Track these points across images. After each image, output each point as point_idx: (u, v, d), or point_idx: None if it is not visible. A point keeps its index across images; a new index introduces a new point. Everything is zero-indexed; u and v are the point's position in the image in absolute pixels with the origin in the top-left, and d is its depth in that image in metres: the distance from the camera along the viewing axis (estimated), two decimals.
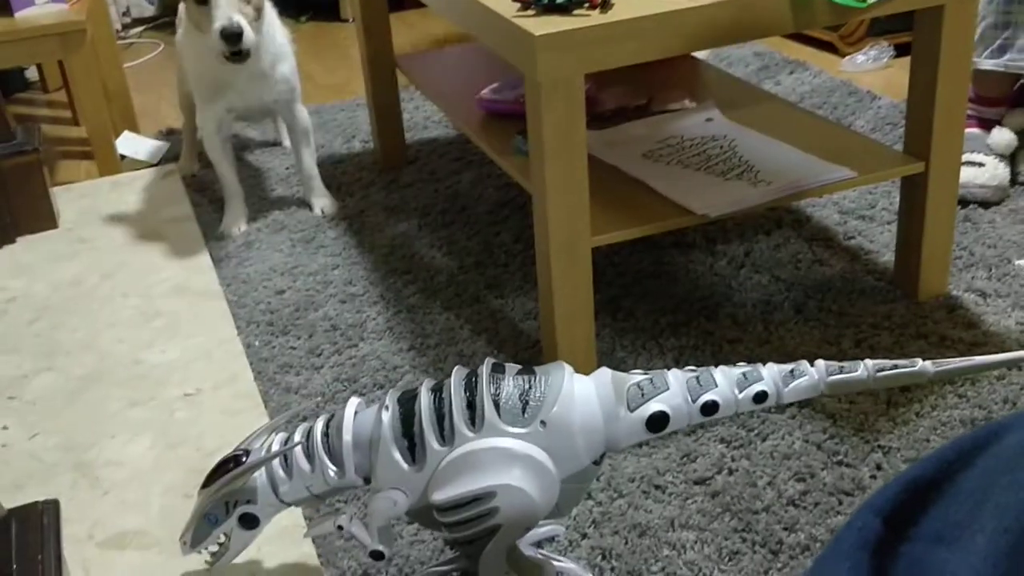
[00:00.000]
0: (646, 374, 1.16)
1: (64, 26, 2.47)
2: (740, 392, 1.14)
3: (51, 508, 1.21)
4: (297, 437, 1.20)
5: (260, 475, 1.19)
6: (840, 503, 1.38)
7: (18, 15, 2.50)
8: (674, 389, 1.14)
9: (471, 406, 1.13)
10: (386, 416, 1.15)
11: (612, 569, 1.32)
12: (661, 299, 1.89)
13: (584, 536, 1.38)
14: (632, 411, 1.13)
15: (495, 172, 2.45)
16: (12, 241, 2.29)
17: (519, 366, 1.18)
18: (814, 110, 2.61)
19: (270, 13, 2.15)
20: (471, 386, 1.15)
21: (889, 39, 2.93)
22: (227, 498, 1.20)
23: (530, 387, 1.14)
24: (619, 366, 1.70)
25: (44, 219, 2.33)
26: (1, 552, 1.13)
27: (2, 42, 2.43)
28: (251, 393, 1.71)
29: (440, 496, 1.12)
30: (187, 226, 2.32)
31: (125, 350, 1.87)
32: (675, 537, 1.36)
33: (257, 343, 1.87)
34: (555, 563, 1.29)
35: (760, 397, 1.14)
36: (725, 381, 1.14)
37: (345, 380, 1.75)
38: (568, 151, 1.49)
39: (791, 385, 1.14)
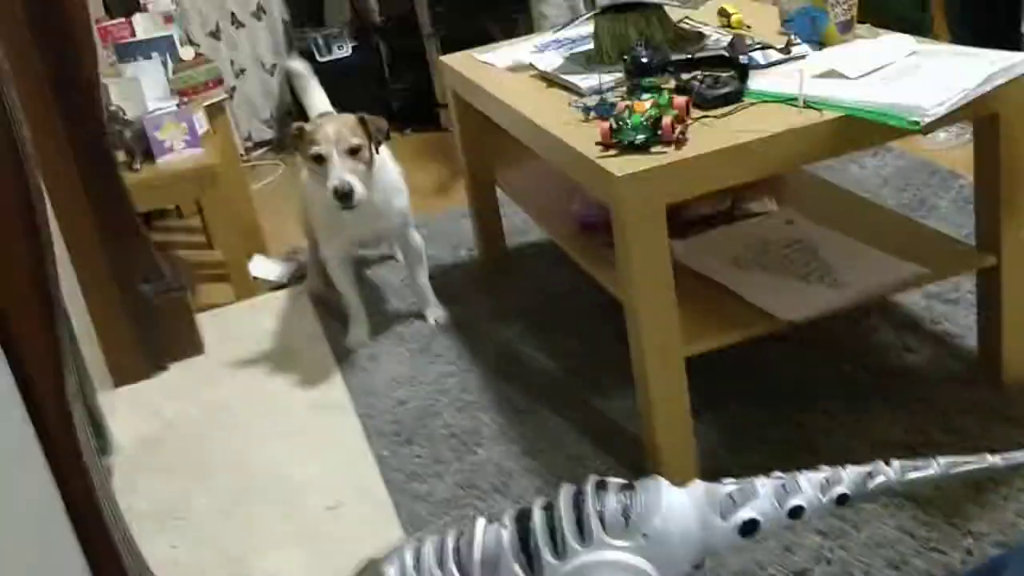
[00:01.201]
0: (736, 483, 1.28)
1: (200, 170, 2.76)
2: (824, 496, 1.26)
3: None
4: (427, 550, 1.34)
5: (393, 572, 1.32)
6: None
7: (160, 161, 2.80)
8: (763, 496, 1.26)
9: (580, 522, 1.27)
10: (505, 534, 1.30)
11: None
12: (756, 394, 2.01)
13: None
14: (725, 519, 1.26)
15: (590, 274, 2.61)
16: (165, 368, 2.55)
17: (621, 481, 1.32)
18: (898, 192, 2.71)
19: (382, 154, 2.36)
20: (578, 503, 1.29)
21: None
22: None
23: (631, 502, 1.28)
24: (718, 463, 1.83)
25: (192, 347, 2.60)
26: None
27: (149, 187, 2.72)
28: (385, 503, 1.90)
29: None
30: (318, 344, 2.55)
31: (272, 467, 2.09)
32: None
33: (386, 453, 2.07)
34: None
35: (842, 499, 1.26)
36: (809, 486, 1.26)
37: (466, 486, 1.92)
38: (655, 271, 1.63)
39: (870, 485, 1.25)
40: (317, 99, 2.74)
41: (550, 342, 2.34)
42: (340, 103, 3.91)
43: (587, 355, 2.26)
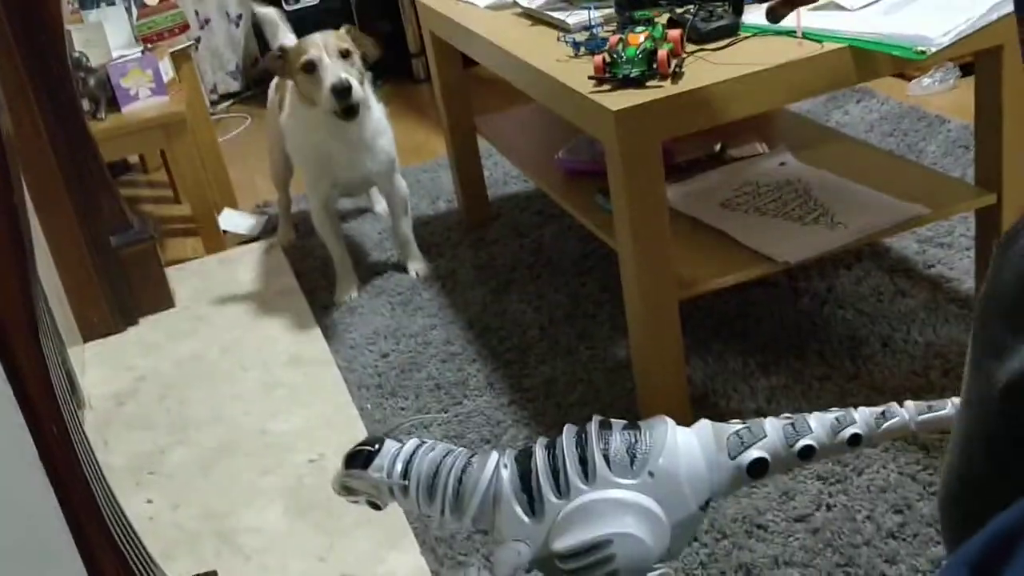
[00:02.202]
0: (744, 423, 1.24)
1: (167, 117, 2.66)
2: (835, 436, 1.21)
3: None
4: (424, 460, 1.29)
5: (383, 478, 1.29)
6: (939, 533, 1.44)
7: (125, 110, 2.70)
8: (772, 436, 1.22)
9: (583, 461, 1.23)
10: (505, 474, 1.26)
11: None
12: (749, 340, 1.97)
13: None
14: (733, 459, 1.22)
15: (577, 224, 2.54)
16: (135, 323, 2.47)
17: (624, 421, 1.28)
18: (884, 138, 2.67)
19: (368, 89, 2.29)
20: (582, 442, 1.25)
21: (954, 60, 2.97)
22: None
23: (636, 441, 1.23)
24: (712, 409, 1.79)
25: (162, 299, 2.51)
26: None
27: (113, 136, 2.62)
28: None
29: (560, 545, 1.22)
30: (294, 297, 2.47)
31: (251, 421, 2.02)
32: (780, 574, 1.43)
33: (369, 406, 2.00)
34: None
35: (854, 440, 1.21)
36: (820, 426, 1.21)
37: (454, 437, 1.86)
38: (650, 213, 1.58)
39: (883, 427, 1.21)
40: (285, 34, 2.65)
41: (536, 293, 2.29)
42: None
43: (574, 306, 2.21)
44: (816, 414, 1.23)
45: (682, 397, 1.73)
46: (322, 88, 2.12)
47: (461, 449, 1.33)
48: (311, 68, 2.14)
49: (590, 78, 1.61)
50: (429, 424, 1.91)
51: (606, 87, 1.59)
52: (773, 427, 1.22)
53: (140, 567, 1.26)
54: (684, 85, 1.54)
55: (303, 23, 3.84)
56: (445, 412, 1.94)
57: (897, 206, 1.78)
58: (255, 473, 1.86)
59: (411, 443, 1.34)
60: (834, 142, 2.14)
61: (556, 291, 2.28)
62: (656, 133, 1.54)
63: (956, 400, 1.19)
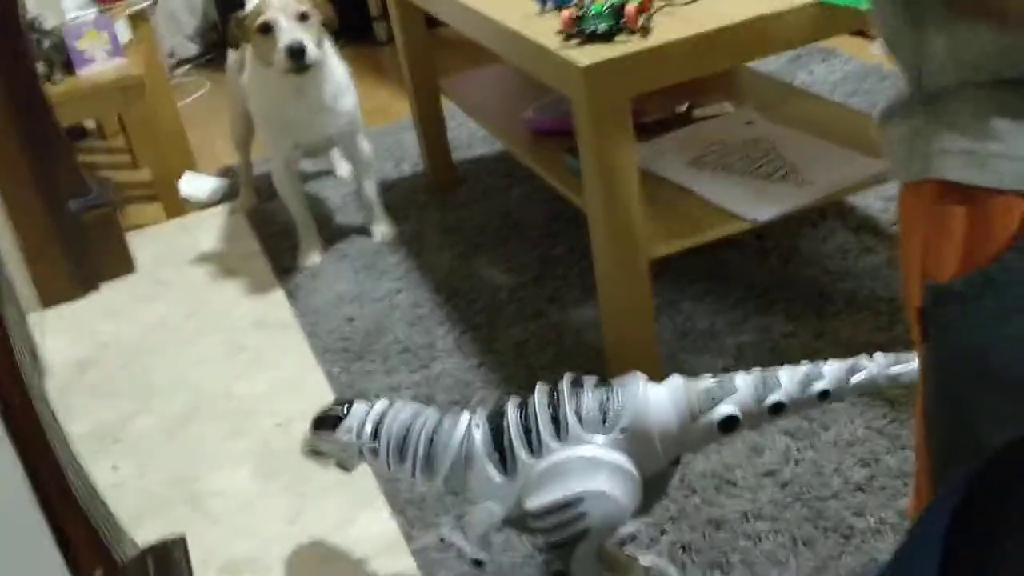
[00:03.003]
0: (715, 379, 1.24)
1: (124, 80, 2.61)
2: (804, 391, 1.22)
3: (180, 544, 1.32)
4: (394, 422, 1.31)
5: (352, 440, 1.31)
6: (905, 485, 1.46)
7: (80, 73, 2.63)
8: (742, 392, 1.22)
9: (555, 419, 1.23)
10: (477, 433, 1.25)
11: (693, 562, 1.41)
12: (717, 298, 1.97)
13: (663, 532, 1.47)
14: (704, 414, 1.22)
15: (544, 186, 2.53)
16: (96, 288, 2.43)
17: (596, 378, 1.28)
18: (849, 98, 2.68)
19: (329, 50, 2.26)
20: (553, 400, 1.24)
21: None
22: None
23: (608, 398, 1.23)
24: (681, 368, 1.78)
25: (123, 265, 2.47)
26: None
27: (69, 100, 2.56)
28: None
29: (533, 503, 1.23)
30: (257, 261, 2.44)
31: (216, 386, 2.00)
32: (750, 528, 1.44)
33: (336, 370, 1.99)
34: (641, 560, 1.38)
35: (824, 395, 1.21)
36: (790, 381, 1.22)
37: (423, 399, 1.85)
38: (620, 171, 1.57)
39: (852, 381, 1.21)
40: None
41: (503, 256, 2.27)
42: None
43: (542, 267, 2.20)
44: (787, 368, 1.23)
45: (652, 357, 1.73)
46: (276, 49, 2.10)
47: (431, 409, 1.32)
48: (267, 29, 2.11)
49: (557, 33, 1.59)
50: (397, 387, 1.89)
51: (574, 42, 1.57)
52: (744, 382, 1.23)
53: (108, 533, 1.25)
54: (653, 40, 1.52)
55: None
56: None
57: (864, 162, 1.78)
58: (221, 437, 1.84)
59: (380, 404, 1.33)
60: (800, 100, 2.14)
61: (525, 253, 2.27)
62: (625, 89, 1.52)
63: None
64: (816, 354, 1.74)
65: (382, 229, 2.47)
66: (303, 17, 2.13)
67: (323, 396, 1.90)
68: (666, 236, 1.70)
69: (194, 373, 2.06)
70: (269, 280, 2.36)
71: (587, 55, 1.51)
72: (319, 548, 1.55)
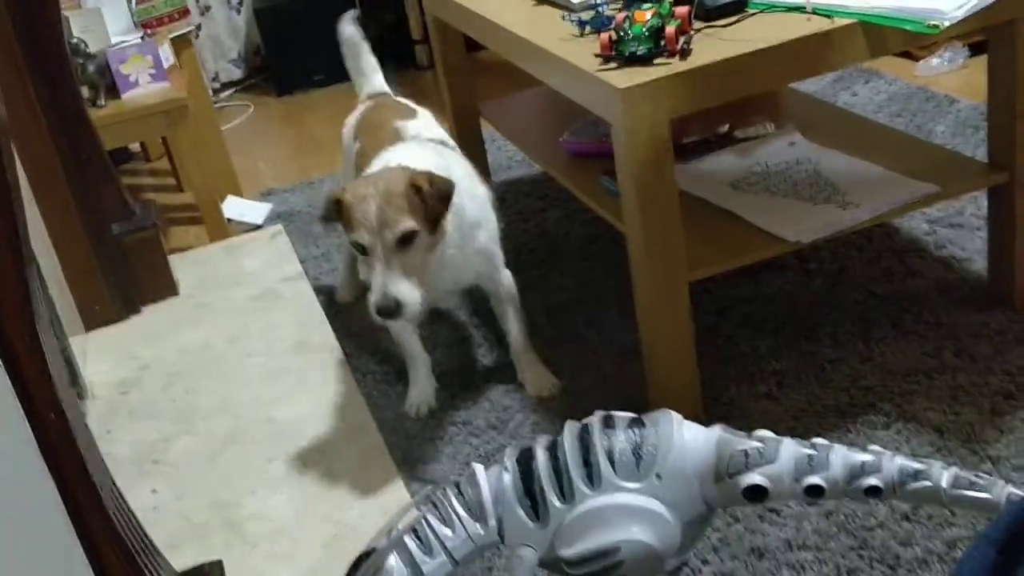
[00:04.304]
0: (761, 441, 1.16)
1: (168, 103, 2.63)
2: (852, 482, 1.11)
3: (216, 568, 1.32)
4: (431, 520, 1.21)
5: (396, 562, 1.20)
6: (954, 515, 1.42)
7: (125, 97, 2.67)
8: (781, 464, 1.13)
9: (587, 463, 1.18)
10: (507, 477, 1.20)
11: None
12: (759, 323, 1.94)
13: (705, 562, 1.44)
14: (731, 478, 1.14)
15: (581, 208, 2.52)
16: (138, 311, 2.45)
17: (629, 415, 1.23)
18: (893, 119, 2.64)
19: (462, 182, 1.70)
20: (584, 443, 1.19)
21: (963, 39, 2.93)
22: None
23: (642, 441, 1.17)
24: (723, 393, 1.77)
25: (165, 288, 2.49)
26: None
27: (113, 123, 2.60)
28: (377, 443, 1.82)
29: (567, 552, 1.18)
30: (299, 284, 2.45)
31: (257, 409, 2.00)
32: (793, 558, 1.41)
33: (375, 393, 1.98)
34: None
35: (872, 491, 1.11)
36: (839, 467, 1.11)
37: (460, 423, 1.84)
38: (659, 193, 1.55)
39: (909, 487, 1.09)
40: (368, 70, 2.26)
41: (541, 279, 2.26)
42: (306, 42, 3.81)
43: (580, 291, 2.18)
44: (844, 452, 1.12)
45: (692, 381, 1.71)
46: (369, 285, 1.59)
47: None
48: (361, 250, 1.59)
49: (596, 56, 1.59)
50: (436, 412, 1.88)
51: (612, 65, 1.56)
52: (788, 455, 1.13)
53: (144, 558, 1.24)
54: (692, 62, 1.51)
55: (299, 13, 3.84)
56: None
57: (910, 185, 1.75)
58: (262, 461, 1.84)
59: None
60: (842, 121, 2.11)
61: (562, 276, 2.26)
62: (664, 111, 1.51)
63: (1006, 489, 1.07)
64: (861, 380, 1.71)
65: (540, 383, 1.90)
66: (405, 241, 1.55)
67: (363, 421, 1.89)
68: (707, 258, 1.68)
69: (235, 396, 2.06)
70: (311, 303, 2.36)
71: (626, 77, 1.50)
72: None
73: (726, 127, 2.12)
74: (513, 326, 1.93)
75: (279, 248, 2.66)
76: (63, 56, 2.27)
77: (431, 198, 1.58)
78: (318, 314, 2.31)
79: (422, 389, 1.93)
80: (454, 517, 1.22)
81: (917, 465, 1.10)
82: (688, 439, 1.18)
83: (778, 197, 1.82)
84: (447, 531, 1.21)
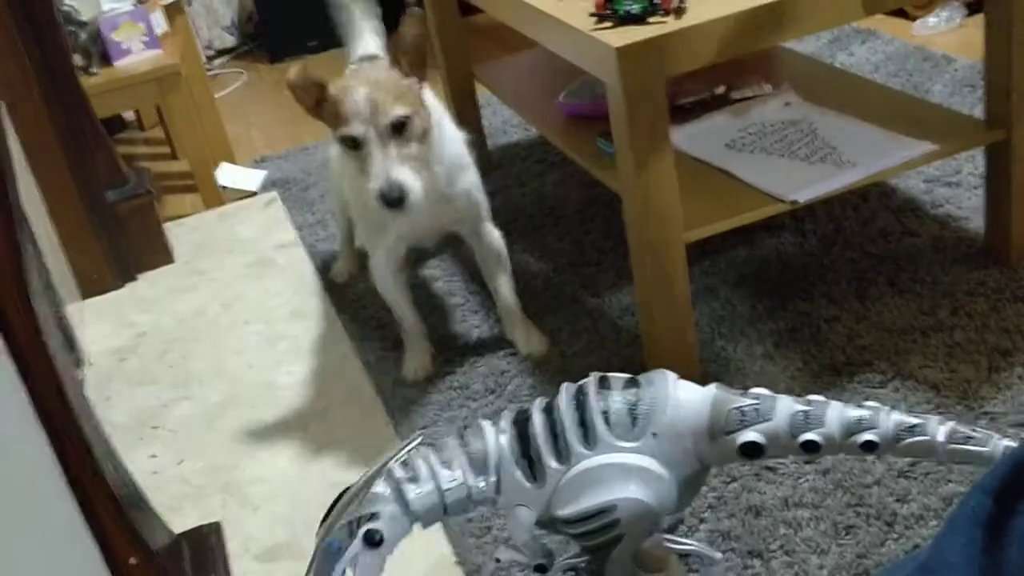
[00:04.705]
0: (757, 399, 1.15)
1: (161, 71, 2.62)
2: (848, 438, 1.10)
3: (215, 530, 1.33)
4: (431, 461, 1.19)
5: (383, 487, 1.19)
6: (950, 471, 1.43)
7: (118, 64, 2.65)
8: (777, 421, 1.12)
9: (583, 423, 1.17)
10: (504, 439, 1.20)
11: (733, 550, 1.39)
12: (756, 283, 1.94)
13: (702, 520, 1.45)
14: (727, 435, 1.14)
15: (578, 172, 2.51)
16: (134, 278, 2.45)
17: (625, 376, 1.23)
18: (889, 79, 2.62)
19: (439, 121, 1.71)
20: (580, 404, 1.19)
21: None
22: (348, 517, 1.19)
23: (638, 400, 1.17)
24: (720, 353, 1.77)
25: (161, 255, 2.49)
26: (177, 574, 1.25)
27: (106, 91, 2.58)
28: (375, 406, 1.83)
29: (563, 512, 1.19)
30: (295, 251, 2.44)
31: (255, 374, 2.01)
32: (790, 516, 1.42)
33: (372, 358, 1.98)
34: (683, 546, 1.36)
35: (868, 447, 1.10)
36: (836, 423, 1.10)
37: (457, 388, 1.84)
38: (655, 153, 1.55)
39: (904, 441, 1.08)
40: (357, 31, 2.07)
41: (537, 243, 2.26)
42: (299, 8, 3.77)
43: (576, 254, 2.18)
44: (840, 407, 1.11)
45: (689, 343, 1.71)
46: (367, 178, 1.57)
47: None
48: (354, 144, 1.58)
49: (591, 15, 1.57)
50: (432, 376, 1.89)
51: (607, 24, 1.54)
52: (783, 411, 1.12)
53: (143, 521, 1.25)
54: (687, 20, 1.50)
55: None
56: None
57: (907, 143, 1.74)
58: (261, 425, 1.85)
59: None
60: (839, 81, 2.10)
61: (559, 240, 2.25)
62: (660, 70, 1.50)
63: (1003, 443, 1.06)
64: (858, 339, 1.72)
65: (530, 341, 1.90)
66: (399, 128, 1.56)
67: (361, 385, 1.90)
68: (703, 219, 1.68)
69: (232, 362, 2.07)
70: (306, 270, 2.36)
71: (620, 36, 1.48)
72: None
73: (722, 88, 2.11)
74: (502, 284, 1.92)
75: (274, 215, 2.66)
76: (56, 24, 2.26)
77: (409, 59, 1.59)
78: (314, 281, 2.30)
79: (418, 354, 1.93)
80: (454, 460, 1.21)
81: (913, 420, 1.09)
82: (683, 398, 1.18)
83: (774, 157, 1.81)
84: (445, 471, 1.19)
